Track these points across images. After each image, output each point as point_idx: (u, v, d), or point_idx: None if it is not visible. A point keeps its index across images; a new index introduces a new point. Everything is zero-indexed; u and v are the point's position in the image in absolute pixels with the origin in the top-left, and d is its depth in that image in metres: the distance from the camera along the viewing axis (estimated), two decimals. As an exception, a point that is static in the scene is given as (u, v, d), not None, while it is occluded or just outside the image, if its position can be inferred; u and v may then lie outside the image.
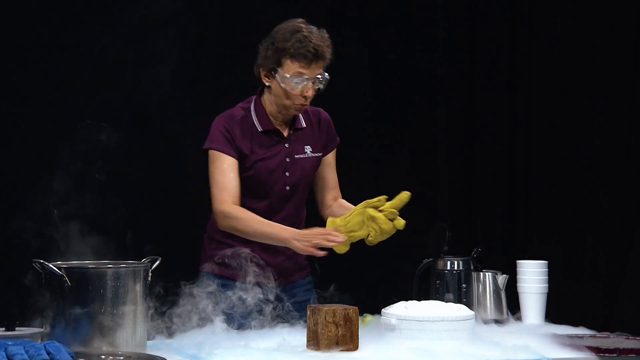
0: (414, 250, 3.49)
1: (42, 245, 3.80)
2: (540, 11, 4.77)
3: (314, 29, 3.06)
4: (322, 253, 2.78)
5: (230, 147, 3.06)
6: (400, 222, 2.87)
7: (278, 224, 3.00)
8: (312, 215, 3.35)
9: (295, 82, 3.01)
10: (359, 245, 3.14)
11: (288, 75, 3.01)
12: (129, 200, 4.05)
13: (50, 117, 4.09)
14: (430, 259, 3.26)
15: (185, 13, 4.39)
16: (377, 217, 2.85)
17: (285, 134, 3.16)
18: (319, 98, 3.37)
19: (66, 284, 2.35)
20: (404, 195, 2.88)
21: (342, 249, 2.93)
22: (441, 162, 4.90)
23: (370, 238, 2.90)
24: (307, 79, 3.02)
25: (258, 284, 3.06)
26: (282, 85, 3.03)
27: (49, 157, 4.06)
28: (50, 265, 2.38)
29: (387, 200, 2.91)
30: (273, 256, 3.08)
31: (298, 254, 3.14)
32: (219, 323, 2.85)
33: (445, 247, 3.25)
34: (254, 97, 3.17)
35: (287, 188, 3.15)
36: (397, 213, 2.89)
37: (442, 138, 4.91)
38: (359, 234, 2.89)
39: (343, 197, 3.38)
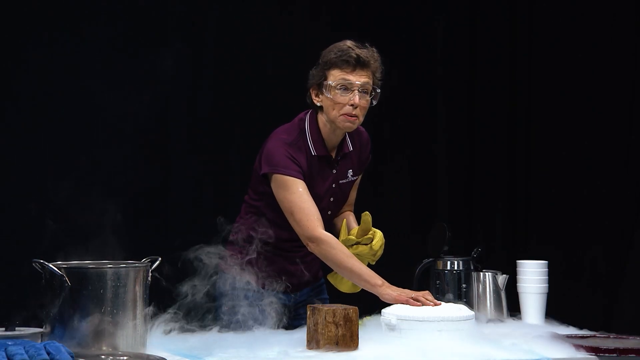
0: (414, 250, 3.50)
1: (42, 245, 3.81)
2: (540, 11, 4.77)
3: (362, 45, 3.03)
4: (417, 303, 2.75)
5: (299, 171, 3.00)
6: (376, 235, 3.01)
7: (373, 277, 2.91)
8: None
9: (340, 88, 2.97)
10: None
11: (333, 83, 2.98)
12: (130, 200, 4.06)
13: (50, 118, 4.09)
14: (430, 259, 3.26)
15: (185, 13, 4.40)
16: (361, 254, 2.99)
17: (333, 157, 3.12)
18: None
19: (66, 284, 2.35)
20: (366, 217, 2.98)
21: (351, 289, 3.03)
22: (441, 162, 4.90)
23: (372, 263, 3.02)
24: (352, 85, 2.97)
25: (274, 289, 3.07)
26: (329, 96, 2.99)
27: (49, 158, 4.07)
28: (50, 265, 2.38)
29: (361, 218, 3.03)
30: (292, 264, 3.09)
31: (315, 263, 3.16)
32: (220, 323, 2.86)
33: (445, 247, 3.25)
34: (307, 116, 3.11)
35: (329, 213, 3.14)
36: (370, 232, 3.01)
37: (442, 138, 4.91)
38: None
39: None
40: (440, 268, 3.22)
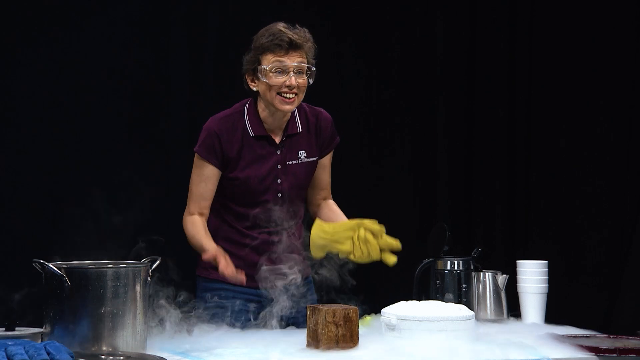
0: (414, 250, 3.49)
1: (42, 245, 3.82)
2: (540, 11, 4.77)
3: (294, 27, 3.06)
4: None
5: (213, 155, 3.07)
6: (392, 259, 2.84)
7: (207, 241, 3.03)
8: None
9: (275, 71, 3.01)
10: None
11: (267, 67, 3.01)
12: (130, 200, 4.06)
13: (50, 118, 4.09)
14: (430, 259, 3.26)
15: (186, 13, 4.40)
16: (372, 244, 2.82)
17: (278, 140, 3.12)
18: (320, 97, 3.35)
19: (66, 284, 2.35)
20: (398, 245, 2.85)
21: (317, 254, 2.90)
22: (441, 162, 4.90)
23: (352, 257, 2.86)
24: (287, 67, 3.00)
25: (254, 287, 3.08)
26: (264, 80, 3.02)
27: (50, 158, 4.07)
28: (50, 265, 2.38)
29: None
30: (270, 259, 3.07)
31: (295, 258, 3.14)
32: (218, 323, 2.86)
33: (445, 247, 3.25)
34: (249, 100, 3.15)
35: (279, 195, 3.12)
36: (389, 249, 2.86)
37: (442, 138, 4.91)
38: (342, 248, 2.85)
39: (344, 197, 3.36)
40: (440, 268, 3.22)
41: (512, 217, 4.83)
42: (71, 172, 4.07)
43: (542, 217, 4.72)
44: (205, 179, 3.09)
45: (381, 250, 2.84)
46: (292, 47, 3.00)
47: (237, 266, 3.06)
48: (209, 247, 2.99)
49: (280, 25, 3.05)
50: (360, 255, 2.84)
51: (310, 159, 3.18)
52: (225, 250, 3.07)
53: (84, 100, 4.13)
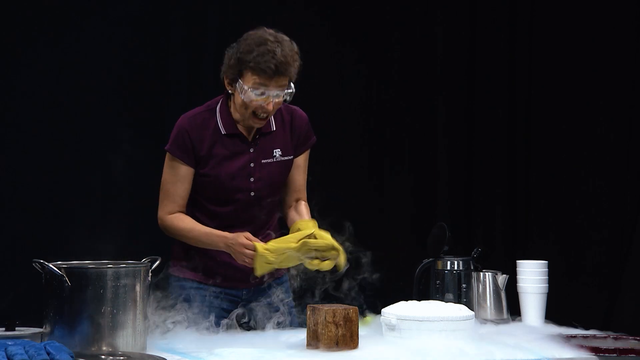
0: (414, 250, 3.49)
1: (42, 245, 3.82)
2: (540, 11, 4.77)
3: (283, 42, 2.93)
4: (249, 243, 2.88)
5: (187, 154, 3.02)
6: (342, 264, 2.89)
7: (216, 233, 2.98)
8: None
9: (254, 94, 2.92)
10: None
11: (247, 87, 2.92)
12: (130, 200, 4.06)
13: (50, 118, 4.09)
14: (430, 259, 3.26)
15: (186, 13, 4.40)
16: (322, 268, 2.86)
17: (250, 138, 3.07)
18: (321, 97, 3.35)
19: (66, 284, 2.36)
20: (344, 260, 2.88)
21: (259, 273, 2.92)
22: (441, 162, 4.90)
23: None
24: (267, 92, 2.92)
25: (229, 287, 3.08)
26: (241, 96, 2.94)
27: (50, 158, 4.07)
28: (50, 265, 2.38)
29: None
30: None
31: None
32: (216, 324, 2.86)
33: (445, 247, 3.25)
34: (221, 97, 3.09)
35: (252, 194, 3.07)
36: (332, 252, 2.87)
37: (442, 138, 4.91)
38: (290, 265, 2.92)
39: (344, 197, 3.35)
40: (440, 268, 3.22)
41: (512, 217, 4.83)
42: (71, 172, 4.07)
43: (542, 217, 4.72)
44: (180, 179, 3.04)
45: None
46: (276, 73, 2.89)
47: (209, 265, 3.06)
48: (226, 234, 2.95)
49: (270, 42, 2.90)
50: (311, 269, 2.89)
51: (286, 158, 3.13)
52: (199, 249, 3.06)
53: (84, 100, 4.13)
